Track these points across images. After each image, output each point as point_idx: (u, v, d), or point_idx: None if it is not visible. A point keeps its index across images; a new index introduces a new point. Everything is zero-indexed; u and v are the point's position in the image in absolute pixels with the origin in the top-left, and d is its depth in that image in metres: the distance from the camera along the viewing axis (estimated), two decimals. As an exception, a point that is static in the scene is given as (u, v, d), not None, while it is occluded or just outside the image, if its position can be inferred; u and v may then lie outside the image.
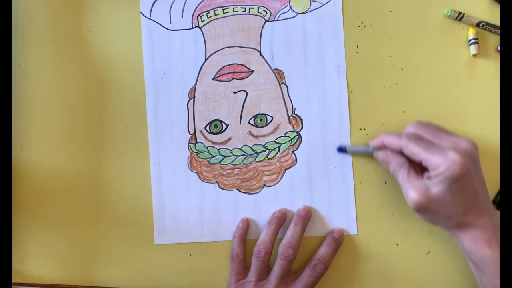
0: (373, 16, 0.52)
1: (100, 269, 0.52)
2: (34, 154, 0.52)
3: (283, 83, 0.52)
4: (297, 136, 0.52)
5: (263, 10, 0.52)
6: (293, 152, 0.52)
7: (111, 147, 0.52)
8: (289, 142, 0.51)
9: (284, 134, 0.52)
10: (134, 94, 0.52)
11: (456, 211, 0.43)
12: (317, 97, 0.52)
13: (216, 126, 0.52)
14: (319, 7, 0.52)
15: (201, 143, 0.52)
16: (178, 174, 0.52)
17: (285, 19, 0.52)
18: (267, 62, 0.52)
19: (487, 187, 0.46)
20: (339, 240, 0.50)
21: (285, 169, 0.52)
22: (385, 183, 0.51)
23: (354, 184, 0.51)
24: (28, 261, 0.52)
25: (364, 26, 0.52)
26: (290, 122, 0.52)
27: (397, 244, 0.51)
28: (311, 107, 0.52)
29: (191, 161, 0.52)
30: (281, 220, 0.51)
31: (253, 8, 0.52)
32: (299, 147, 0.52)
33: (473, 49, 0.51)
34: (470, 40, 0.51)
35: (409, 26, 0.52)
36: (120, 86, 0.52)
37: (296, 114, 0.52)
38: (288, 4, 0.52)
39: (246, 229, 0.51)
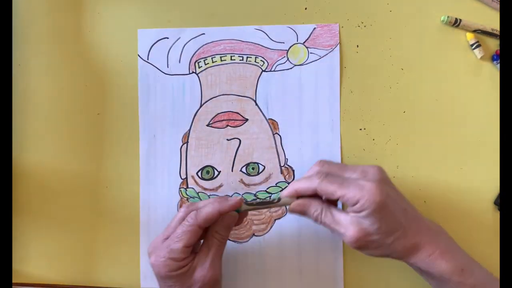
0: (373, 16, 0.52)
1: (100, 269, 0.52)
2: (34, 154, 0.52)
3: (276, 133, 0.51)
4: None
5: (260, 60, 0.51)
6: None
7: (111, 147, 0.52)
8: (280, 193, 0.46)
9: (276, 184, 0.51)
10: (132, 99, 0.53)
11: (395, 236, 0.42)
12: (310, 149, 0.51)
13: (208, 172, 0.51)
14: (316, 60, 0.52)
15: (192, 188, 0.51)
16: (168, 218, 0.48)
17: (282, 70, 0.52)
18: (261, 112, 0.51)
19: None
20: None
21: (275, 220, 0.51)
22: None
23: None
24: (28, 261, 0.52)
25: (364, 26, 0.52)
26: (282, 172, 0.51)
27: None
28: (304, 159, 0.51)
29: (181, 206, 0.51)
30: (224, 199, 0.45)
31: (251, 57, 0.52)
32: None
33: (477, 52, 0.51)
34: (472, 45, 0.51)
35: (409, 26, 0.52)
36: (120, 86, 0.52)
37: (288, 165, 0.51)
38: (285, 56, 0.52)
39: (217, 216, 0.44)
